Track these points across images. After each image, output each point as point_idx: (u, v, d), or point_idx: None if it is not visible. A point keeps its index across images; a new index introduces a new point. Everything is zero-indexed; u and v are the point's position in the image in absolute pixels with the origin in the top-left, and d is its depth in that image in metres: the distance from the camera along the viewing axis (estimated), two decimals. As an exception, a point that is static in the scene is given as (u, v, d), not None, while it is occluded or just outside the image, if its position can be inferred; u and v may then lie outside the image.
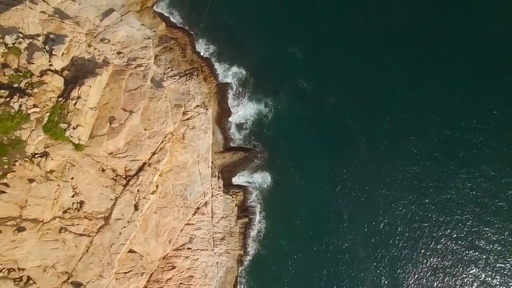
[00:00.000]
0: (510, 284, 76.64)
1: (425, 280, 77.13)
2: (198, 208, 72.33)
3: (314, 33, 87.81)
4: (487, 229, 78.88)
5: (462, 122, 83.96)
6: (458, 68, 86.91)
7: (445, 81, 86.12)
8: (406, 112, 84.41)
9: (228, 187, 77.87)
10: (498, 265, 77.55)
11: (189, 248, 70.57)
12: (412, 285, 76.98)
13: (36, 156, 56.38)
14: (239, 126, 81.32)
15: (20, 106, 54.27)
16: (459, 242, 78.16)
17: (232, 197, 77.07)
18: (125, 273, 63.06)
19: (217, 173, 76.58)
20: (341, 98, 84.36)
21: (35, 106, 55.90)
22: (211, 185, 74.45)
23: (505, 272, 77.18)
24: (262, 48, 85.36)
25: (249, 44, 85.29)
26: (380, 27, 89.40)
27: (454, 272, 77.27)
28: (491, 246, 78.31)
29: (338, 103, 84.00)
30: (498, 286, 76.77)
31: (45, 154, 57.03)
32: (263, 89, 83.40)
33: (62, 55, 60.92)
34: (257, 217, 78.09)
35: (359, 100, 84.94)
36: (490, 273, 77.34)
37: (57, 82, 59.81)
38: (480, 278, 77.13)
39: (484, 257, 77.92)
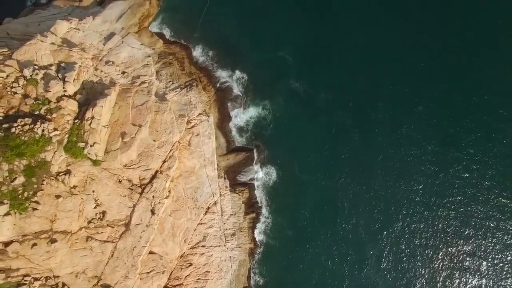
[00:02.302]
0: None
1: (424, 260, 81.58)
2: (208, 208, 76.41)
3: (300, 36, 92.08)
4: (484, 209, 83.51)
5: (449, 110, 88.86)
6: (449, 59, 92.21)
7: (433, 72, 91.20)
8: (396, 102, 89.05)
9: (234, 186, 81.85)
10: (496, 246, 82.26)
11: (203, 246, 74.78)
12: (412, 266, 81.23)
13: (60, 174, 60.29)
14: (240, 129, 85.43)
15: (43, 131, 58.18)
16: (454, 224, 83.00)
17: (239, 195, 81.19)
18: (148, 272, 67.11)
19: (223, 174, 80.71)
20: (331, 94, 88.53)
21: (55, 129, 59.86)
22: (219, 186, 78.62)
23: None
24: (254, 54, 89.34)
25: (242, 52, 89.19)
26: (363, 24, 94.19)
27: (451, 252, 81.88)
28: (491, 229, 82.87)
29: (330, 99, 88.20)
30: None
31: (67, 172, 60.94)
32: (259, 92, 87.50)
33: (73, 81, 64.99)
34: (264, 211, 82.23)
35: (348, 94, 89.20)
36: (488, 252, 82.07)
37: (72, 106, 63.85)
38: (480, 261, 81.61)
39: (483, 239, 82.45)
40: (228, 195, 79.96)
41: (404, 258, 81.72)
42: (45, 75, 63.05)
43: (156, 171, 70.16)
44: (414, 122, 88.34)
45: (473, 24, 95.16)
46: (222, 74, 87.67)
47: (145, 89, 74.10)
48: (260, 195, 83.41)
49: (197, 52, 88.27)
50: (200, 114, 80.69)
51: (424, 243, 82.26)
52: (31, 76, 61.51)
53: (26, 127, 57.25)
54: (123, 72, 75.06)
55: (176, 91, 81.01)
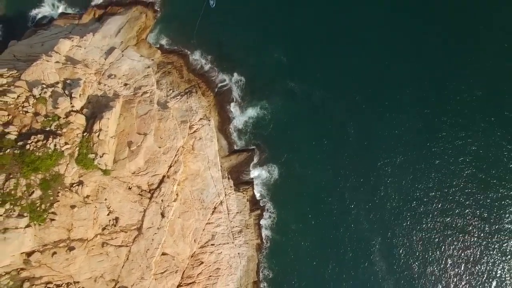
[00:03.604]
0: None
1: (425, 243, 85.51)
2: (215, 208, 79.21)
3: (293, 37, 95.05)
4: (483, 195, 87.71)
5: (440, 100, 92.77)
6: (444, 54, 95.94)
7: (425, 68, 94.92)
8: (389, 95, 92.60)
9: (238, 185, 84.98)
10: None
11: (212, 244, 77.72)
12: (414, 249, 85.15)
13: (73, 186, 62.95)
14: (240, 130, 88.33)
15: (55, 145, 60.90)
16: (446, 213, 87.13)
17: (243, 193, 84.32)
18: (162, 273, 69.99)
19: (226, 175, 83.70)
20: (327, 91, 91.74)
21: (66, 143, 62.57)
22: (223, 186, 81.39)
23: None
24: (249, 57, 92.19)
25: (238, 56, 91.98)
26: (354, 23, 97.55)
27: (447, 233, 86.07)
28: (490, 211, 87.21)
29: (325, 96, 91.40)
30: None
31: (80, 183, 63.60)
32: (256, 94, 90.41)
33: (79, 96, 67.60)
34: (268, 208, 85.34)
35: (343, 91, 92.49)
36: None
37: (80, 120, 66.51)
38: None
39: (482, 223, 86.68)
40: (233, 194, 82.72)
41: (406, 242, 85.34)
42: (52, 92, 65.68)
43: (163, 176, 72.81)
44: (410, 114, 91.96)
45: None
46: (220, 79, 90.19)
47: (147, 98, 76.58)
48: (263, 192, 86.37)
49: (195, 59, 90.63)
50: (201, 118, 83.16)
51: (424, 227, 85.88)
52: (40, 95, 64.22)
53: (39, 143, 59.94)
54: (125, 84, 77.53)
55: (177, 99, 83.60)
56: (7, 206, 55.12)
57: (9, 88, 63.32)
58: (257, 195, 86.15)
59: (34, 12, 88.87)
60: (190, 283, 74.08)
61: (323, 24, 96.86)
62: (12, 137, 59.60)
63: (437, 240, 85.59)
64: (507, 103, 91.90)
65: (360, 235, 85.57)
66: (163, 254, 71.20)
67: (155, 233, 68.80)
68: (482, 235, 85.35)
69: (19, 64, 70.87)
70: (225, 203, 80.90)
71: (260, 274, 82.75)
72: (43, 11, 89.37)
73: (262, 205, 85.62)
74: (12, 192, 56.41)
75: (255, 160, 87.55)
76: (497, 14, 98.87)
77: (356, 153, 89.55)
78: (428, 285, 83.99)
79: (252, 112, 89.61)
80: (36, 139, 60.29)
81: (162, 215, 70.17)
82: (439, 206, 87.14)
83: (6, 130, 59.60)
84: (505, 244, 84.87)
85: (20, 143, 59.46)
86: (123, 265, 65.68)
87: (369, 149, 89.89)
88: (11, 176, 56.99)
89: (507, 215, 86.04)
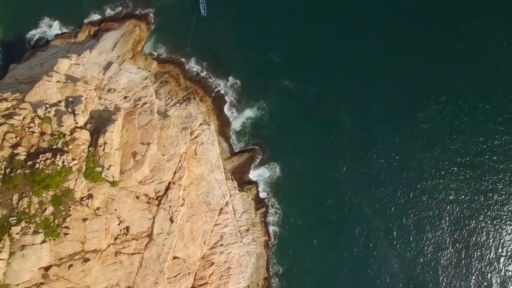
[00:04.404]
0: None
1: (428, 228, 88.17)
2: (221, 209, 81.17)
3: (284, 37, 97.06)
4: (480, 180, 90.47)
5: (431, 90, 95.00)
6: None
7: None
8: (381, 85, 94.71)
9: (242, 185, 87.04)
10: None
11: (221, 245, 79.86)
12: (418, 235, 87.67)
13: (83, 199, 64.77)
14: (239, 132, 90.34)
15: (63, 162, 62.65)
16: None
17: (247, 192, 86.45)
18: (175, 276, 72.08)
19: (230, 176, 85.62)
20: (321, 88, 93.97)
21: (73, 159, 64.34)
22: (228, 187, 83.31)
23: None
24: (244, 60, 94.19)
25: (232, 60, 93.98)
26: (344, 20, 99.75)
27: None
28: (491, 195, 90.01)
29: (320, 92, 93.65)
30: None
31: (90, 196, 65.39)
32: (253, 95, 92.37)
33: (82, 112, 69.34)
34: (273, 205, 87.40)
35: (337, 86, 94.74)
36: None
37: (85, 136, 68.27)
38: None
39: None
40: (238, 194, 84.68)
41: (409, 225, 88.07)
42: (56, 111, 67.51)
43: (169, 183, 74.67)
44: (404, 105, 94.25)
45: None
46: (216, 84, 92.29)
47: (148, 109, 78.27)
48: (267, 190, 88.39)
49: (190, 67, 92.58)
50: (201, 124, 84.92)
51: (424, 214, 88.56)
52: (44, 114, 66.18)
53: (48, 161, 61.84)
54: (125, 97, 79.23)
55: (176, 106, 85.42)
56: (23, 224, 57.35)
57: (14, 110, 65.22)
58: (261, 194, 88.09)
59: (30, 33, 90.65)
60: (203, 284, 76.23)
61: (312, 22, 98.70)
62: (22, 157, 61.61)
63: (438, 223, 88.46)
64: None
65: (364, 223, 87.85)
66: (175, 258, 72.97)
67: (166, 238, 70.60)
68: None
69: (21, 87, 72.77)
70: (230, 203, 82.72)
71: (270, 270, 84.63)
72: (39, 32, 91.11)
73: (266, 202, 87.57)
74: (26, 210, 58.59)
75: (257, 159, 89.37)
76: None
77: (354, 145, 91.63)
78: (437, 270, 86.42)
79: (250, 113, 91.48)
80: (44, 158, 62.10)
81: (171, 220, 71.96)
82: (436, 186, 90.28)
83: (15, 152, 61.67)
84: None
85: (29, 163, 61.39)
86: (137, 272, 67.46)
87: (367, 140, 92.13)
88: (24, 195, 59.17)
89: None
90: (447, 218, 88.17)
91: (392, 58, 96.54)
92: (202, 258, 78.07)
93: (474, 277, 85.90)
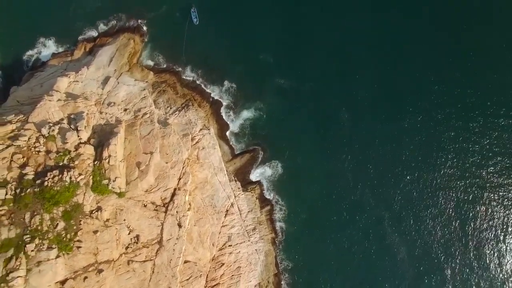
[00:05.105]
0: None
1: (430, 210, 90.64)
2: (227, 211, 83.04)
3: (275, 37, 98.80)
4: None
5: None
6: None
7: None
8: (371, 80, 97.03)
9: (246, 185, 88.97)
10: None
11: (230, 245, 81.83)
12: (421, 218, 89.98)
13: (93, 212, 66.37)
14: (239, 134, 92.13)
15: (70, 178, 64.29)
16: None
17: (251, 192, 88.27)
18: (187, 279, 74.05)
19: (233, 178, 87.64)
20: (314, 83, 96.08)
21: (80, 174, 66.01)
22: (232, 189, 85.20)
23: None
24: (238, 63, 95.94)
25: (226, 64, 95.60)
26: (331, 17, 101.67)
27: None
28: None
29: (314, 87, 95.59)
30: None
31: (99, 208, 67.03)
32: (249, 96, 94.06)
33: (85, 128, 70.90)
34: (277, 201, 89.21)
35: (330, 80, 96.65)
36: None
37: (89, 150, 69.94)
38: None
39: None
40: (242, 195, 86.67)
41: (413, 210, 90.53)
42: (60, 129, 69.19)
43: (175, 189, 76.37)
44: (396, 96, 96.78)
45: None
46: (213, 89, 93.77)
47: (148, 119, 79.84)
48: (271, 188, 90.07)
49: (186, 74, 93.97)
50: (201, 129, 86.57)
51: (425, 197, 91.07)
52: (48, 133, 67.85)
53: (56, 178, 63.56)
54: (125, 109, 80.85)
55: (175, 114, 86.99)
56: (37, 241, 59.14)
57: (19, 132, 66.82)
58: (265, 192, 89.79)
59: (27, 54, 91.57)
60: (215, 285, 78.20)
61: (302, 20, 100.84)
62: (30, 177, 63.27)
63: (444, 209, 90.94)
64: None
65: (368, 212, 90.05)
66: (186, 261, 74.81)
67: (175, 243, 72.28)
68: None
69: (24, 108, 74.38)
70: (235, 204, 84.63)
71: (280, 266, 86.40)
72: (36, 52, 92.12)
73: (271, 200, 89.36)
74: (39, 227, 60.34)
75: (258, 159, 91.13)
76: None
77: (352, 136, 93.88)
78: (440, 250, 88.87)
79: (247, 114, 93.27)
80: (52, 175, 63.77)
81: (179, 226, 73.67)
82: (437, 180, 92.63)
83: (24, 172, 63.33)
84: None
85: (38, 181, 63.08)
86: (150, 279, 69.08)
87: (364, 129, 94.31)
88: (35, 213, 60.89)
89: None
90: (450, 204, 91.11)
91: (381, 50, 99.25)
92: (212, 259, 79.82)
93: (480, 262, 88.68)
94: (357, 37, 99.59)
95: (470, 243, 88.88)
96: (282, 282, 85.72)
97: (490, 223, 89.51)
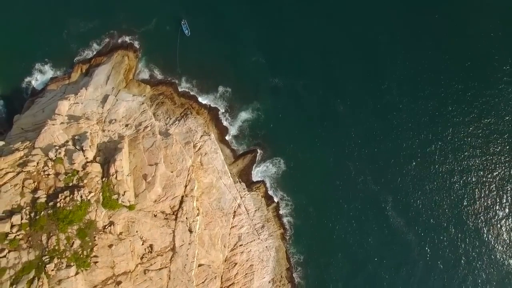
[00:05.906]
0: None
1: (429, 194, 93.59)
2: (234, 212, 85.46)
3: (265, 39, 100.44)
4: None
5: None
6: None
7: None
8: (365, 74, 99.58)
9: (250, 185, 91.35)
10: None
11: (241, 245, 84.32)
12: (422, 202, 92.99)
13: (106, 227, 68.60)
14: (239, 136, 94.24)
15: (81, 197, 66.47)
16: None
17: (256, 191, 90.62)
18: (203, 282, 76.62)
19: (237, 179, 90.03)
20: (308, 79, 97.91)
21: (90, 192, 68.16)
22: (237, 190, 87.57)
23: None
24: (231, 67, 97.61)
25: (220, 69, 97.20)
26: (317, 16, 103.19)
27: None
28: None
29: (308, 84, 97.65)
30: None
31: (111, 223, 69.22)
32: (245, 98, 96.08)
33: (90, 147, 72.90)
34: (282, 197, 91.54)
35: (322, 75, 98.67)
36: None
37: (96, 168, 72.06)
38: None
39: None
40: (248, 195, 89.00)
41: (416, 194, 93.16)
42: (66, 151, 71.23)
43: (182, 196, 78.52)
44: (387, 92, 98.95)
45: None
46: (209, 95, 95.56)
47: (149, 132, 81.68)
48: (274, 185, 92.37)
49: (182, 84, 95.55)
50: (202, 135, 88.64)
51: (425, 182, 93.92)
52: (55, 156, 69.93)
53: (67, 199, 65.79)
54: (127, 125, 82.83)
55: (175, 124, 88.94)
56: (55, 260, 61.56)
57: (27, 158, 68.97)
58: (270, 189, 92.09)
59: (25, 81, 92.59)
60: (230, 285, 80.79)
61: (286, 23, 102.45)
62: (42, 200, 65.52)
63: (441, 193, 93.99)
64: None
65: (372, 199, 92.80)
66: (200, 265, 77.28)
67: (188, 249, 74.73)
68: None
69: (29, 135, 76.46)
70: (242, 205, 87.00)
71: (291, 260, 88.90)
72: (33, 78, 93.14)
73: (276, 197, 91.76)
74: (56, 247, 62.79)
75: (260, 158, 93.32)
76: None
77: (349, 126, 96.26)
78: (444, 229, 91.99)
79: (245, 115, 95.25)
80: (63, 196, 65.98)
81: (190, 231, 76.10)
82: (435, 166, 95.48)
83: (36, 196, 65.61)
84: None
85: (51, 203, 65.32)
86: (167, 285, 71.54)
87: (360, 119, 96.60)
88: (51, 234, 63.26)
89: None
90: (452, 187, 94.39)
91: (366, 42, 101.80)
92: (225, 260, 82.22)
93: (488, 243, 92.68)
94: (341, 33, 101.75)
95: (481, 227, 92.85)
96: (294, 275, 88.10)
97: (496, 208, 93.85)
